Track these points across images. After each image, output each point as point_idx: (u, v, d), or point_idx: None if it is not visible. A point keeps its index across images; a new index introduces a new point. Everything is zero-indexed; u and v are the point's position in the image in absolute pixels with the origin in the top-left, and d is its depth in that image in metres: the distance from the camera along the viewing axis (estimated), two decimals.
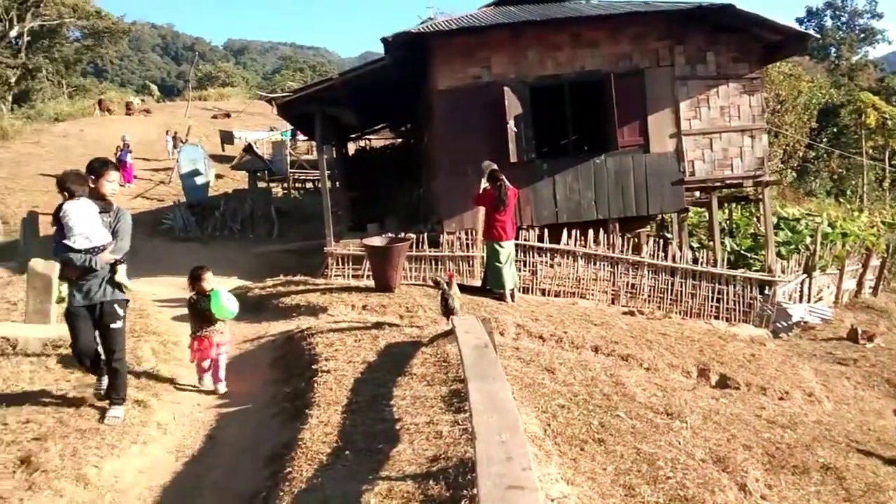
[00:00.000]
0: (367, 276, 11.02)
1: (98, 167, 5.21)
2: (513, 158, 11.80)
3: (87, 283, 5.09)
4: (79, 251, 4.93)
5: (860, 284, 16.86)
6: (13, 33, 37.02)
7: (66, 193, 5.00)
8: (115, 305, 5.21)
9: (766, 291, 12.17)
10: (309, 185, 25.33)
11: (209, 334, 6.23)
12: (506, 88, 11.88)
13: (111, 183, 5.23)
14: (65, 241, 4.91)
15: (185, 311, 9.84)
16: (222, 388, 6.29)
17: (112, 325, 5.17)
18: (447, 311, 6.66)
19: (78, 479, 4.35)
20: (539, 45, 12.30)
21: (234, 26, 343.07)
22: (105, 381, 5.39)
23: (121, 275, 5.22)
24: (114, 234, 5.14)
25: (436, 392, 5.06)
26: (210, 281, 6.30)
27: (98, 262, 4.99)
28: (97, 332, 5.25)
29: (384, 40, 11.41)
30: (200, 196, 19.94)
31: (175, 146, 26.93)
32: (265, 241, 16.79)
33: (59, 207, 4.99)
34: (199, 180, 20.37)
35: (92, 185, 5.13)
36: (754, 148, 12.81)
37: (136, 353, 6.80)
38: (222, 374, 6.34)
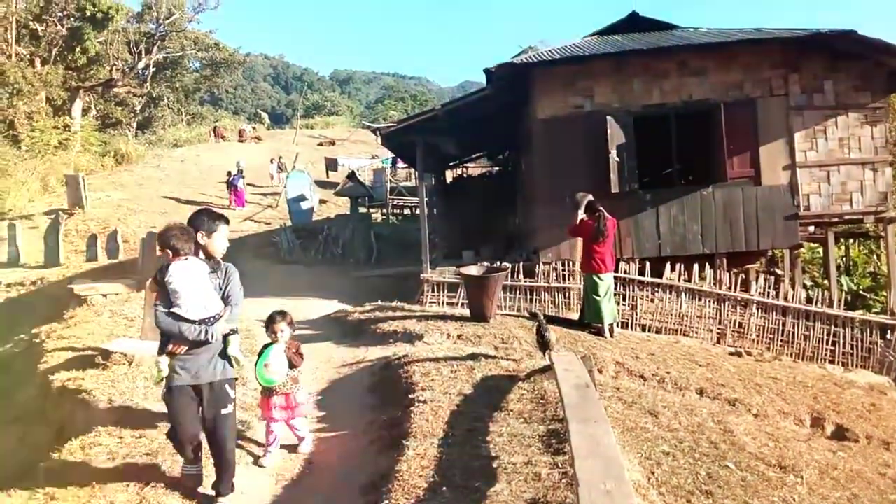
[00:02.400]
0: (462, 304, 11.03)
1: (210, 223, 4.43)
2: (614, 189, 11.57)
3: (194, 359, 4.31)
4: (193, 322, 4.20)
5: None
6: (141, 65, 39.93)
7: (169, 252, 4.27)
8: (227, 386, 4.42)
9: (889, 336, 11.27)
10: (407, 211, 25.78)
11: (267, 395, 5.38)
12: (609, 118, 11.69)
13: (223, 239, 4.51)
14: (175, 310, 4.19)
15: None
16: (305, 446, 5.47)
17: (223, 410, 4.37)
18: (543, 345, 6.54)
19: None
20: (644, 74, 12.06)
21: (340, 57, 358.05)
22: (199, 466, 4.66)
23: (233, 347, 4.45)
24: (225, 298, 4.39)
25: (533, 431, 4.94)
26: (283, 331, 5.40)
27: (215, 335, 4.26)
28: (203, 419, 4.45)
29: (487, 71, 11.51)
30: (305, 220, 20.71)
31: (280, 171, 28.14)
32: (364, 265, 17.16)
33: (164, 269, 4.26)
34: (305, 205, 21.18)
35: (202, 243, 4.38)
36: (876, 182, 12.01)
37: (240, 374, 7.04)
38: (303, 440, 5.50)
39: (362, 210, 23.74)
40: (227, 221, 4.60)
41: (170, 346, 4.26)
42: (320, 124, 51.60)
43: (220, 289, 4.37)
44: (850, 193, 11.99)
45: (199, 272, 4.26)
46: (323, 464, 5.34)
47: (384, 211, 25.16)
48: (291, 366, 5.40)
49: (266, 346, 5.35)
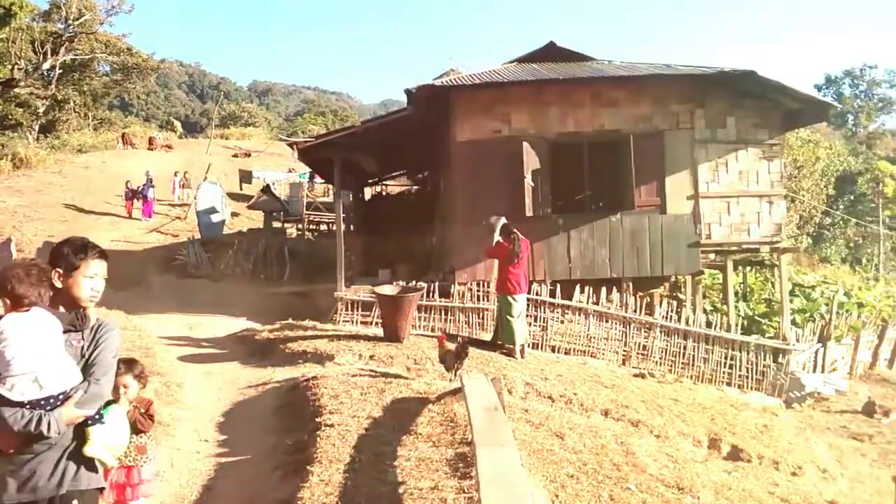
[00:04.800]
0: (376, 324, 10.94)
1: (70, 254, 2.88)
2: (528, 212, 11.79)
3: (29, 463, 2.69)
4: (19, 405, 2.62)
5: (875, 356, 16.51)
6: (46, 65, 37.90)
7: (7, 300, 2.79)
8: (76, 502, 2.76)
9: (780, 360, 11.93)
10: (323, 227, 25.42)
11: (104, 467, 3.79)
12: (525, 143, 11.94)
13: (91, 280, 2.92)
14: None
15: (191, 350, 9.86)
16: None
17: None
18: (450, 365, 6.66)
19: None
20: (560, 103, 12.42)
21: (260, 68, 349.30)
22: None
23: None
24: (87, 368, 2.84)
25: (441, 454, 4.92)
26: (129, 386, 3.95)
27: (55, 425, 2.66)
28: None
29: (408, 92, 11.55)
30: (215, 233, 20.08)
31: (183, 188, 27.11)
32: (276, 281, 16.77)
33: None
34: (216, 218, 20.56)
35: (59, 285, 2.86)
36: (772, 214, 12.76)
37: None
38: None
39: (277, 225, 23.25)
40: (102, 256, 2.99)
41: None
42: (236, 135, 50.23)
43: (82, 356, 2.86)
44: (748, 224, 12.68)
45: (42, 330, 2.77)
46: (222, 490, 5.13)
47: (300, 226, 24.73)
48: (137, 431, 4.03)
49: (105, 405, 3.59)
